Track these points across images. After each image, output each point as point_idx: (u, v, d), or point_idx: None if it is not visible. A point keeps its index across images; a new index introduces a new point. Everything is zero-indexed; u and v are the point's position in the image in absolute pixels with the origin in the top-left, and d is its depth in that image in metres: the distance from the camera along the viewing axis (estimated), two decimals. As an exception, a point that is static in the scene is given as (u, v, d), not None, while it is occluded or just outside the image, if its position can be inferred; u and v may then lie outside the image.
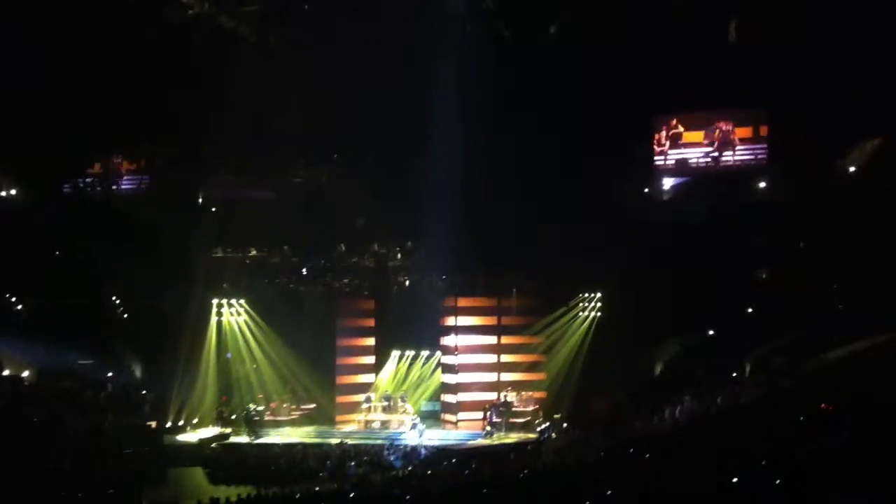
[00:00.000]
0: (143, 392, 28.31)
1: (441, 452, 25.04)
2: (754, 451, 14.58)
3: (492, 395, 29.38)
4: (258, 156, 30.31)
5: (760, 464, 13.66)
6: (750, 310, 27.84)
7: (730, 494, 12.59)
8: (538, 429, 27.19)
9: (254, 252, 30.74)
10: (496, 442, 26.85)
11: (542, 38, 25.30)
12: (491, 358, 30.18)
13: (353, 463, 23.76)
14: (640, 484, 14.56)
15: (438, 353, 31.11)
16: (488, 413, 28.17)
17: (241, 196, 30.86)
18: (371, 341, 31.07)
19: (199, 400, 28.74)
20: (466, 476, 20.96)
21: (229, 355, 29.84)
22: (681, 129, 29.61)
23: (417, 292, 30.58)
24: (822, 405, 17.11)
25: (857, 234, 24.19)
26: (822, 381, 20.03)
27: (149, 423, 26.68)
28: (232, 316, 29.84)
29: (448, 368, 30.48)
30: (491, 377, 29.99)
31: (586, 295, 29.91)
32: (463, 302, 30.22)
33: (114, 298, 30.63)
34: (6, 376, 26.18)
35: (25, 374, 26.74)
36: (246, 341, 29.75)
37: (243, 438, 27.40)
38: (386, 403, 29.27)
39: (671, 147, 29.68)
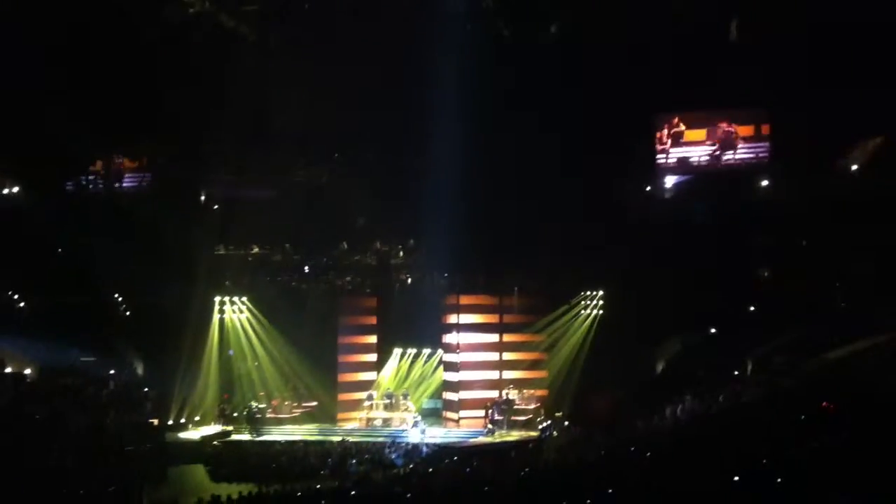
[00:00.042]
0: (145, 389, 28.40)
1: (442, 450, 25.09)
2: (755, 450, 14.61)
3: (493, 393, 29.44)
4: (258, 154, 30.28)
5: (761, 463, 13.68)
6: (751, 309, 27.84)
7: (731, 493, 12.61)
8: (539, 427, 27.23)
9: (256, 250, 30.79)
10: (497, 440, 26.88)
11: (542, 37, 25.30)
12: (493, 356, 30.23)
13: (354, 461, 23.79)
14: (641, 482, 14.60)
15: (440, 350, 31.18)
16: (490, 411, 28.22)
17: (242, 195, 30.88)
18: (373, 339, 31.16)
19: (201, 397, 28.85)
20: (468, 474, 21.01)
21: (231, 353, 29.89)
22: (682, 127, 29.54)
23: (419, 290, 30.65)
24: (824, 403, 17.13)
25: (858, 233, 24.17)
26: (823, 380, 20.04)
27: (151, 420, 26.80)
28: (234, 313, 29.93)
29: (450, 366, 30.52)
30: (492, 375, 30.05)
31: (588, 293, 29.96)
32: (465, 300, 30.25)
33: (116, 296, 30.73)
34: (8, 373, 26.24)
35: (27, 371, 26.82)
36: (248, 339, 29.84)
37: (245, 436, 27.51)
38: (388, 401, 29.34)
39: (673, 145, 29.63)
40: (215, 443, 26.58)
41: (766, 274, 28.50)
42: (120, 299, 30.79)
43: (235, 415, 28.67)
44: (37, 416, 23.13)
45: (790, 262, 27.44)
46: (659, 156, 29.66)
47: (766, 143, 28.62)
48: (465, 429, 28.98)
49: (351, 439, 26.19)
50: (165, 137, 29.56)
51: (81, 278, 28.37)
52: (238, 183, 31.13)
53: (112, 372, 28.53)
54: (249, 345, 29.83)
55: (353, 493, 18.16)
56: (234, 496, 17.46)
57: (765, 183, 28.62)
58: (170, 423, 27.59)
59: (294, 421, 29.40)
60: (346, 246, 30.81)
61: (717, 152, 29.13)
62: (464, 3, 25.10)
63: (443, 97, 25.96)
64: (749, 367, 24.73)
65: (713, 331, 28.07)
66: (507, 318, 30.21)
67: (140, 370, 29.67)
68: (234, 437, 27.50)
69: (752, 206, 28.15)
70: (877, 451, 12.66)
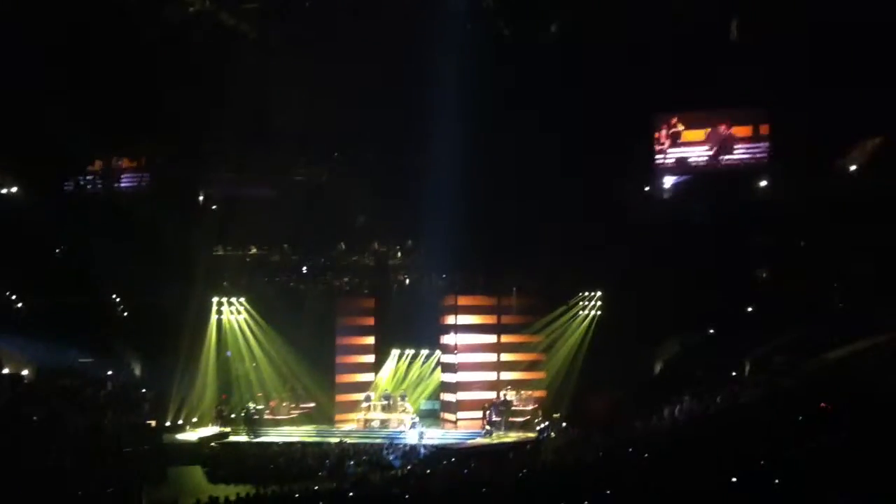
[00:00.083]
0: (143, 390, 28.37)
1: (440, 451, 25.04)
2: (753, 450, 14.58)
3: (491, 394, 29.39)
4: (258, 154, 30.31)
5: (759, 463, 13.66)
6: (750, 309, 27.81)
7: (729, 494, 12.59)
8: (537, 428, 27.22)
9: (254, 250, 30.77)
10: (495, 441, 26.85)
11: (542, 36, 25.29)
12: (491, 357, 30.18)
13: (352, 462, 23.76)
14: (640, 483, 14.58)
15: (438, 351, 31.13)
16: (488, 412, 28.19)
17: (242, 194, 30.88)
18: (371, 340, 31.06)
19: (199, 398, 28.75)
20: (465, 475, 21.00)
21: (229, 354, 29.84)
22: (681, 127, 29.54)
23: (417, 291, 30.61)
24: (822, 404, 17.09)
25: (857, 233, 24.14)
26: (822, 380, 20.00)
27: (148, 421, 26.73)
28: (232, 314, 29.85)
29: (448, 367, 30.49)
30: (490, 376, 30.00)
31: (586, 294, 29.93)
32: (463, 300, 30.21)
33: (114, 296, 30.65)
34: (6, 374, 26.20)
35: (25, 372, 26.76)
36: (246, 340, 29.76)
37: (242, 437, 27.46)
38: (385, 402, 29.27)
39: (671, 146, 29.61)
40: (213, 444, 26.50)
41: (765, 274, 28.48)
42: (118, 300, 30.73)
43: (233, 416, 28.60)
44: (34, 417, 23.05)
45: (789, 263, 27.43)
46: (657, 156, 29.65)
47: (765, 144, 28.60)
48: (462, 430, 28.93)
49: (349, 440, 26.14)
50: (164, 137, 29.57)
51: (80, 278, 28.36)
52: (237, 182, 31.14)
53: (110, 373, 28.46)
54: (247, 346, 29.75)
55: (350, 494, 18.17)
56: (232, 497, 17.43)
57: (764, 183, 28.61)
58: (167, 424, 27.49)
59: (292, 422, 29.34)
60: (343, 246, 30.79)
61: (715, 154, 29.11)
62: (464, 2, 25.13)
63: (443, 96, 25.96)
64: (748, 368, 24.67)
65: (712, 331, 28.02)
66: (506, 319, 30.17)
67: (138, 371, 29.62)
68: (232, 438, 27.43)
69: (752, 206, 28.16)
70: (876, 451, 12.62)
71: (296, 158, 31.45)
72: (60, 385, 26.70)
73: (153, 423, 26.84)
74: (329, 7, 24.87)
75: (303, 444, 25.96)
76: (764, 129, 28.68)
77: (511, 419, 28.10)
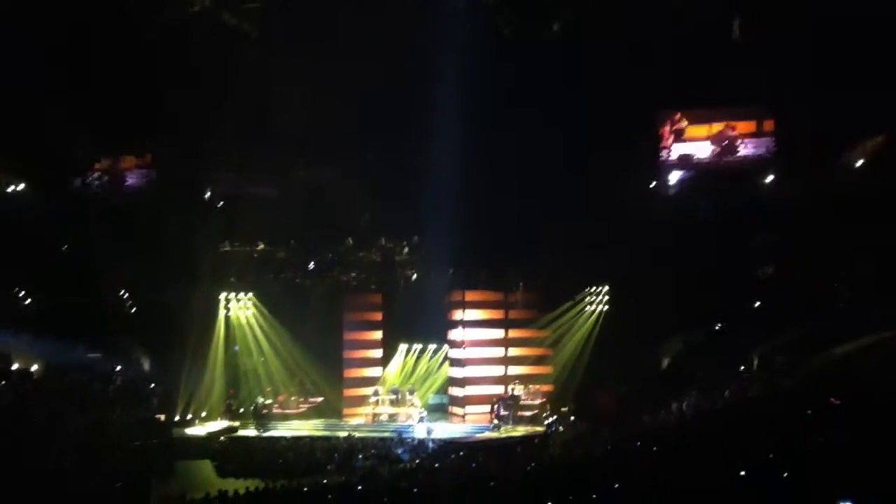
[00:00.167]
0: (152, 385, 28.55)
1: (448, 445, 25.15)
2: (761, 445, 14.68)
3: (499, 389, 29.50)
4: (259, 153, 30.34)
5: (767, 458, 13.77)
6: (754, 305, 27.86)
7: (736, 488, 12.69)
8: (545, 422, 27.35)
9: (261, 246, 30.84)
10: (503, 435, 26.94)
11: (545, 34, 25.36)
12: (498, 351, 30.27)
13: (360, 456, 23.76)
14: (647, 477, 14.68)
15: (446, 346, 31.25)
16: (495, 406, 28.30)
17: (246, 192, 30.96)
18: (378, 335, 31.17)
19: (207, 393, 28.89)
20: (474, 469, 21.13)
21: (237, 349, 29.97)
22: (684, 124, 29.58)
23: (424, 286, 30.66)
24: (830, 398, 17.18)
25: (860, 230, 24.19)
26: (826, 377, 20.08)
27: (157, 416, 26.95)
28: (240, 310, 29.98)
29: (455, 362, 30.62)
30: (498, 371, 30.10)
31: (593, 289, 29.99)
32: (470, 296, 30.27)
33: (121, 293, 30.75)
34: (15, 370, 26.38)
35: (35, 367, 26.93)
36: (254, 335, 29.90)
37: (251, 431, 27.55)
38: (393, 397, 29.44)
39: (675, 142, 29.65)
40: (221, 438, 26.59)
41: (769, 271, 28.51)
42: (126, 296, 30.84)
43: (241, 410, 28.79)
44: (43, 412, 23.21)
45: (793, 259, 27.46)
46: (661, 152, 29.68)
47: (769, 140, 28.63)
48: (471, 424, 29.04)
49: (357, 435, 26.29)
50: (168, 135, 29.63)
51: (86, 276, 28.45)
52: (241, 180, 31.20)
53: (118, 368, 28.64)
54: (255, 341, 29.90)
55: (359, 488, 18.33)
56: (241, 491, 17.61)
57: (768, 180, 28.65)
58: (176, 418, 27.63)
59: (300, 416, 29.51)
60: (351, 242, 30.86)
61: (718, 155, 29.16)
62: (464, 0, 25.20)
63: (446, 94, 26.01)
64: (755, 363, 24.75)
65: (716, 328, 28.08)
66: (513, 314, 30.24)
67: (146, 366, 29.68)
68: (241, 432, 27.51)
69: (755, 202, 28.18)
70: (880, 447, 12.72)
71: (296, 159, 31.45)
72: (67, 382, 26.82)
73: (162, 417, 27.06)
74: (330, 5, 24.94)
75: (311, 438, 26.07)
76: (768, 126, 28.71)
77: (519, 413, 28.25)
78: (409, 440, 25.57)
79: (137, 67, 25.07)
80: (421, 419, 27.68)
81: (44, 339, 27.18)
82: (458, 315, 30.36)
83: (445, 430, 27.91)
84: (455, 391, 30.56)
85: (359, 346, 30.91)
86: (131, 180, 32.01)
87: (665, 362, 28.51)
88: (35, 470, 18.44)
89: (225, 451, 25.10)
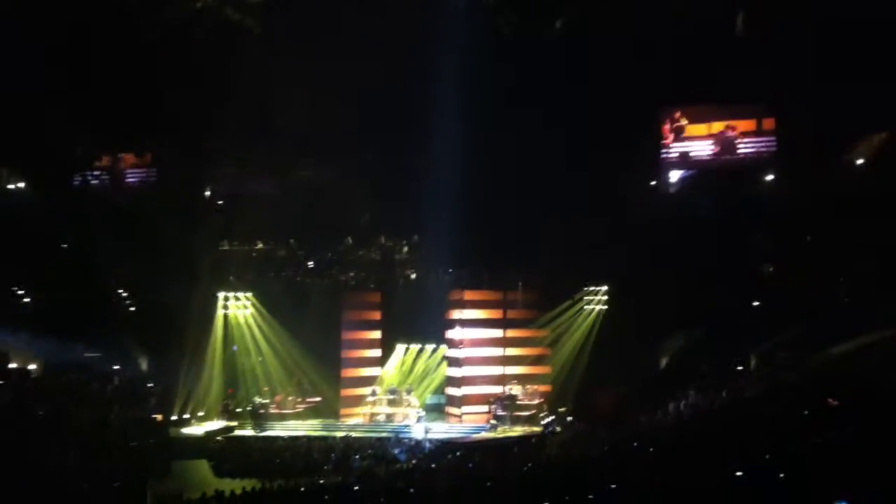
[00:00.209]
0: (150, 385, 28.55)
1: (445, 446, 25.13)
2: (758, 445, 14.62)
3: (497, 389, 29.41)
4: (260, 152, 30.29)
5: (764, 458, 13.69)
6: (755, 304, 27.77)
7: (734, 488, 12.62)
8: (543, 422, 27.32)
9: (260, 245, 30.81)
10: (500, 435, 26.88)
11: (545, 33, 25.27)
12: (496, 351, 30.19)
13: (357, 456, 23.74)
14: (645, 477, 14.61)
15: (444, 346, 31.16)
16: (493, 406, 28.29)
17: (246, 190, 30.91)
18: (377, 334, 31.09)
19: (205, 393, 28.81)
20: (470, 469, 21.08)
21: (235, 348, 29.90)
22: (684, 122, 29.48)
23: (423, 285, 30.57)
24: (828, 399, 17.11)
25: (862, 228, 24.12)
26: (827, 376, 20.01)
27: (154, 415, 26.86)
28: (238, 309, 29.91)
29: (453, 362, 30.52)
30: (496, 370, 30.02)
31: (592, 288, 29.89)
32: (469, 295, 30.18)
33: (120, 291, 30.72)
34: (13, 369, 26.33)
35: (33, 366, 26.88)
36: (252, 334, 29.83)
37: (248, 431, 27.54)
38: (391, 396, 29.34)
39: (675, 140, 29.55)
40: (219, 438, 26.60)
41: (769, 269, 28.43)
42: (124, 295, 30.81)
43: (239, 410, 28.74)
44: (41, 411, 23.17)
45: (794, 258, 27.38)
46: (662, 150, 29.58)
47: (770, 138, 28.53)
48: (468, 424, 28.96)
49: (354, 435, 26.29)
50: (168, 134, 29.59)
51: (85, 274, 28.43)
52: (241, 178, 31.15)
53: (116, 367, 28.63)
54: (253, 340, 29.82)
55: (356, 488, 18.27)
56: (238, 491, 17.52)
57: (769, 178, 28.56)
58: (174, 418, 27.55)
59: (297, 416, 29.38)
60: (350, 241, 30.79)
61: (717, 154, 29.07)
62: (465, 0, 25.13)
63: (447, 93, 25.95)
64: (753, 362, 24.67)
65: (717, 326, 27.97)
66: (511, 314, 30.15)
67: (144, 366, 29.74)
68: (238, 432, 27.52)
69: (756, 201, 28.09)
70: (880, 446, 12.65)
71: (296, 159, 31.39)
72: (66, 380, 26.77)
73: (159, 417, 26.96)
74: (330, 4, 24.87)
75: (308, 438, 26.07)
76: (768, 124, 28.59)
77: (516, 413, 28.14)
78: (406, 440, 25.53)
79: (138, 66, 24.98)
80: (418, 419, 27.62)
81: (42, 338, 27.15)
82: (456, 314, 30.26)
83: (442, 429, 27.82)
84: (452, 391, 30.46)
85: (357, 345, 30.84)
86: (131, 179, 31.99)
87: (665, 361, 28.41)
88: (37, 466, 18.42)
89: (222, 450, 25.14)
